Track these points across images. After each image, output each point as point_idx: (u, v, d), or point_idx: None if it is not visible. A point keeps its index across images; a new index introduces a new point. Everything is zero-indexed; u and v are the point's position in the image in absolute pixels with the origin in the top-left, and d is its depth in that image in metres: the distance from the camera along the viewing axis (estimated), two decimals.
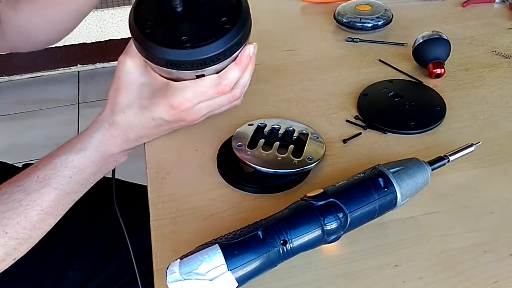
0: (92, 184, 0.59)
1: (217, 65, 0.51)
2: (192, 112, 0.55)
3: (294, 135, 0.63)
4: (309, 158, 0.59)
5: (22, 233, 0.53)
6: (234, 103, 0.58)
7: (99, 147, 0.57)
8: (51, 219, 0.56)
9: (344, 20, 0.87)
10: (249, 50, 0.53)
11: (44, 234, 0.57)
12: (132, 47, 0.55)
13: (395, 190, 0.51)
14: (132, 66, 0.56)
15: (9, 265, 0.54)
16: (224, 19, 0.50)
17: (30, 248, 0.56)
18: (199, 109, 0.56)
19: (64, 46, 2.20)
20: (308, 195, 0.50)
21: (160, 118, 0.56)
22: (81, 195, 0.58)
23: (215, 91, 0.53)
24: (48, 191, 0.54)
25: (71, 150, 0.57)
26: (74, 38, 2.22)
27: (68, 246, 0.77)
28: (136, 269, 0.67)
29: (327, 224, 0.47)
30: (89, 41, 2.26)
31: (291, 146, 0.61)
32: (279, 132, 0.64)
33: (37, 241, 0.56)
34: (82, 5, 0.76)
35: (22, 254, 0.55)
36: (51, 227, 0.57)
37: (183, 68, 0.50)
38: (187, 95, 0.53)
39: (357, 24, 0.86)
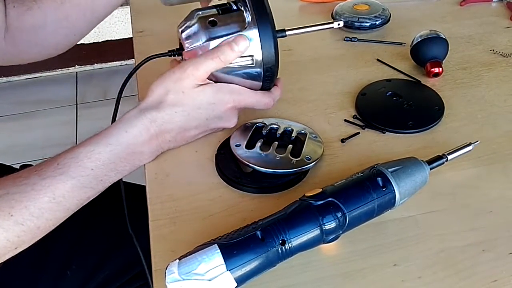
0: (107, 185, 0.57)
1: None
2: (235, 111, 0.63)
3: (292, 135, 0.63)
4: (307, 158, 0.59)
5: (28, 220, 0.51)
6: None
7: (131, 144, 0.57)
8: (61, 211, 0.53)
9: (342, 19, 0.87)
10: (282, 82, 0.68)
11: (51, 228, 0.54)
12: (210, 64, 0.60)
13: (394, 190, 0.51)
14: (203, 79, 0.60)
15: (9, 255, 0.52)
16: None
17: (34, 241, 0.53)
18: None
19: None
20: (306, 194, 0.50)
21: (215, 115, 0.61)
22: (95, 194, 0.56)
23: (266, 103, 0.64)
24: (64, 179, 0.53)
25: (99, 143, 0.56)
26: None
27: (66, 247, 0.77)
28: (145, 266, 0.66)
29: (325, 224, 0.47)
30: (87, 42, 2.26)
31: (290, 146, 0.61)
32: (278, 132, 0.64)
33: (43, 234, 0.54)
34: (97, 7, 0.76)
35: (25, 246, 0.53)
36: (59, 222, 0.55)
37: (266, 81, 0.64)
38: (246, 94, 0.62)
39: (355, 23, 0.86)
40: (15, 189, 0.51)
